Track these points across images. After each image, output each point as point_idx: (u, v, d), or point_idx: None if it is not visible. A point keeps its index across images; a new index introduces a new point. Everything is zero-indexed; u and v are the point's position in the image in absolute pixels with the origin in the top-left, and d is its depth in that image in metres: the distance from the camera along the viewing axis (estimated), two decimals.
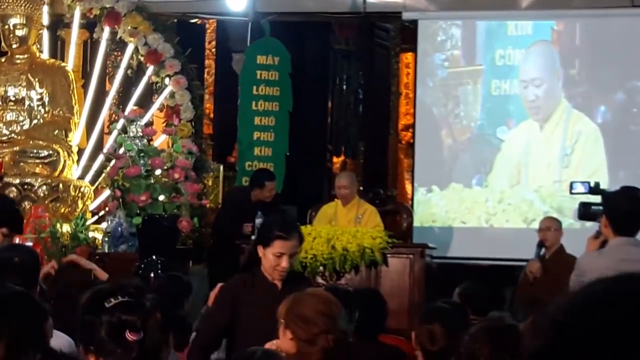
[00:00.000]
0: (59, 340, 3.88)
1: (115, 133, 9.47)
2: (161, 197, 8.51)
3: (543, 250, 7.50)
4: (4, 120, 10.30)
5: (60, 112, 10.29)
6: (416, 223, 9.83)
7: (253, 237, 4.73)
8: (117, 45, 10.50)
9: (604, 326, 1.03)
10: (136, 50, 10.29)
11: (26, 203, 9.47)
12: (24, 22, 10.43)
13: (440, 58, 10.48)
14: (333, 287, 5.18)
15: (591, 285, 1.11)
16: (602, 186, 5.29)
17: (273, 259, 4.48)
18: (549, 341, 1.06)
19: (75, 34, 10.73)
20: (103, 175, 9.82)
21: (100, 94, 10.74)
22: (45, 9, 10.56)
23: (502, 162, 10.14)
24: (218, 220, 9.31)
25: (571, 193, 5.53)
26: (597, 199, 5.13)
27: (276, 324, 3.61)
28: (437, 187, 10.24)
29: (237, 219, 8.60)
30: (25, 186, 9.63)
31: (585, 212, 5.13)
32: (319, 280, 7.87)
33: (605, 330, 1.02)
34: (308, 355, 3.42)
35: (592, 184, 5.26)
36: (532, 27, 10.25)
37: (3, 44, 10.53)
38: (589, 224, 5.01)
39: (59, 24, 10.94)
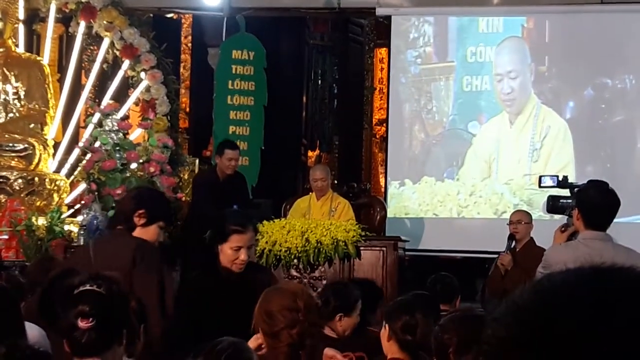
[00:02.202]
0: (30, 331, 3.93)
1: (91, 127, 9.50)
2: None
3: (514, 243, 7.60)
4: None
5: (36, 105, 10.30)
6: (389, 215, 9.93)
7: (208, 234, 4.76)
8: (93, 39, 10.52)
9: (567, 317, 1.03)
10: (112, 44, 10.32)
11: (2, 196, 9.49)
12: (0, 16, 10.43)
13: (412, 55, 10.59)
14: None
15: (553, 277, 1.10)
16: (570, 180, 5.38)
17: (231, 253, 4.54)
18: (510, 332, 1.07)
19: (50, 29, 10.74)
20: (79, 168, 9.83)
21: (76, 88, 10.75)
22: (21, 3, 10.56)
23: (474, 156, 10.27)
24: (194, 208, 9.06)
25: (540, 187, 5.62)
26: (565, 192, 5.23)
27: (239, 316, 3.70)
28: (410, 180, 10.36)
29: (210, 200, 8.44)
30: (1, 179, 9.63)
31: (553, 205, 5.20)
32: (293, 272, 7.95)
33: (567, 322, 1.03)
34: (275, 349, 3.50)
35: (560, 178, 5.35)
36: (503, 24, 10.38)
37: None
38: (558, 216, 5.09)
39: (34, 18, 10.94)
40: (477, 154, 10.27)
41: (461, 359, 3.21)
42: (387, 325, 3.84)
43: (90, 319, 2.89)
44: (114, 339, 2.95)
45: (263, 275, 4.64)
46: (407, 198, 10.33)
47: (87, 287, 2.93)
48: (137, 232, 4.56)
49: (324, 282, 7.82)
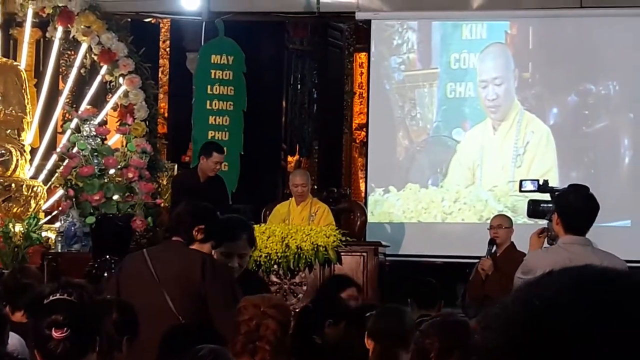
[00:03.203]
0: (11, 339, 3.89)
1: (68, 132, 9.42)
2: (115, 197, 8.48)
3: (494, 247, 7.59)
4: None
5: (13, 111, 10.21)
6: (372, 221, 9.92)
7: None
8: (70, 44, 10.46)
9: (555, 326, 1.03)
10: (89, 49, 10.25)
11: None
12: None
13: (396, 61, 10.57)
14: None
15: (539, 283, 1.10)
16: (553, 185, 5.37)
17: (222, 259, 4.58)
18: (499, 342, 1.06)
19: (27, 33, 10.66)
20: (56, 174, 9.76)
21: (53, 93, 10.68)
22: None
23: (458, 162, 10.26)
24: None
25: (521, 191, 5.62)
26: (546, 196, 5.21)
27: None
28: (394, 187, 10.33)
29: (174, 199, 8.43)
30: None
31: (534, 209, 5.19)
32: (273, 278, 7.91)
33: (556, 330, 1.03)
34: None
35: (541, 182, 5.34)
36: (486, 30, 10.38)
37: None
38: (543, 221, 5.07)
39: (11, 22, 10.86)
40: (461, 160, 10.26)
41: None
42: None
43: (65, 329, 2.84)
44: (88, 346, 2.91)
45: (257, 277, 4.70)
46: (392, 205, 10.31)
47: (58, 296, 2.88)
48: (195, 246, 4.60)
49: (305, 287, 7.79)
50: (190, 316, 4.31)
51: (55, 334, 2.84)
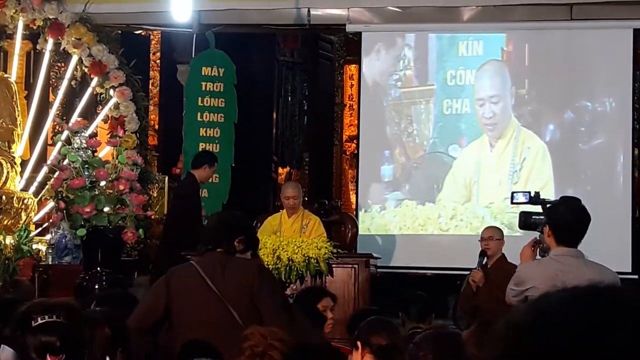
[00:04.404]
0: (4, 353, 3.87)
1: (59, 144, 9.42)
2: (106, 209, 8.48)
3: (485, 259, 7.59)
4: None
5: (3, 123, 10.19)
6: (364, 233, 9.93)
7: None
8: (61, 56, 10.44)
9: (564, 336, 1.05)
10: (80, 61, 10.25)
11: None
12: None
13: (393, 78, 10.59)
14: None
15: (550, 295, 1.12)
16: (547, 198, 5.38)
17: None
18: (508, 351, 1.07)
19: (18, 45, 10.65)
20: (47, 186, 9.74)
21: (44, 105, 10.67)
22: None
23: (454, 179, 10.27)
24: (177, 221, 8.73)
25: (512, 203, 5.64)
26: (537, 208, 5.22)
27: None
28: (391, 204, 10.34)
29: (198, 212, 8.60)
30: None
31: (525, 221, 5.20)
32: None
33: (565, 340, 1.04)
34: None
35: (532, 194, 5.35)
36: (482, 47, 10.40)
37: None
38: (538, 234, 5.08)
39: (1, 35, 10.86)
40: (458, 177, 10.27)
41: None
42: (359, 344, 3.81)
43: (60, 357, 2.82)
44: None
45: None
46: (389, 222, 10.32)
47: (47, 319, 2.84)
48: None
49: None
50: (251, 324, 4.31)
51: (50, 359, 2.82)
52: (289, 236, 8.17)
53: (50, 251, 8.97)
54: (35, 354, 2.83)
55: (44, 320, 2.84)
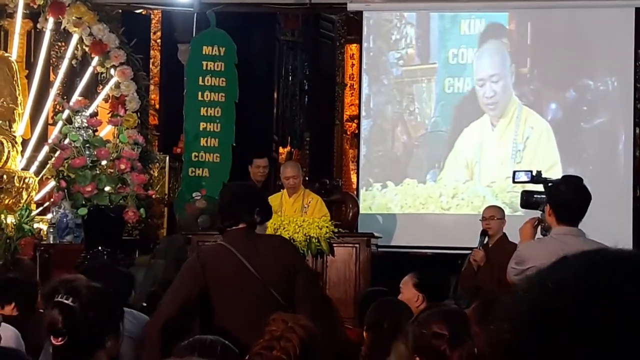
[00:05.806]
0: (4, 332, 3.88)
1: (60, 124, 9.41)
2: (107, 188, 8.47)
3: (486, 238, 7.60)
4: None
5: (4, 102, 10.18)
6: (365, 212, 9.93)
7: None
8: (61, 35, 10.43)
9: (577, 316, 1.03)
10: (81, 40, 10.23)
11: None
12: None
13: (395, 57, 10.55)
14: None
15: (554, 271, 1.10)
16: (549, 176, 5.37)
17: None
18: (520, 335, 1.06)
19: (18, 24, 10.62)
20: (48, 166, 9.73)
21: (45, 84, 10.66)
22: None
23: (455, 158, 10.26)
24: None
25: (514, 182, 5.62)
26: (539, 187, 5.22)
27: None
28: (392, 182, 10.33)
29: None
30: None
31: (527, 200, 5.20)
32: None
33: (577, 321, 1.03)
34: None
35: (534, 173, 5.35)
36: (485, 26, 10.36)
37: None
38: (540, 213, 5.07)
39: (2, 14, 10.83)
40: (459, 156, 10.26)
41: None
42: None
43: (60, 339, 2.83)
44: (93, 348, 2.88)
45: None
46: (390, 200, 10.31)
47: (63, 299, 2.85)
48: (258, 230, 4.45)
49: None
50: (289, 300, 4.22)
51: (54, 341, 2.84)
52: (289, 215, 8.17)
53: (51, 230, 8.97)
54: (46, 327, 2.86)
55: (61, 299, 2.84)
